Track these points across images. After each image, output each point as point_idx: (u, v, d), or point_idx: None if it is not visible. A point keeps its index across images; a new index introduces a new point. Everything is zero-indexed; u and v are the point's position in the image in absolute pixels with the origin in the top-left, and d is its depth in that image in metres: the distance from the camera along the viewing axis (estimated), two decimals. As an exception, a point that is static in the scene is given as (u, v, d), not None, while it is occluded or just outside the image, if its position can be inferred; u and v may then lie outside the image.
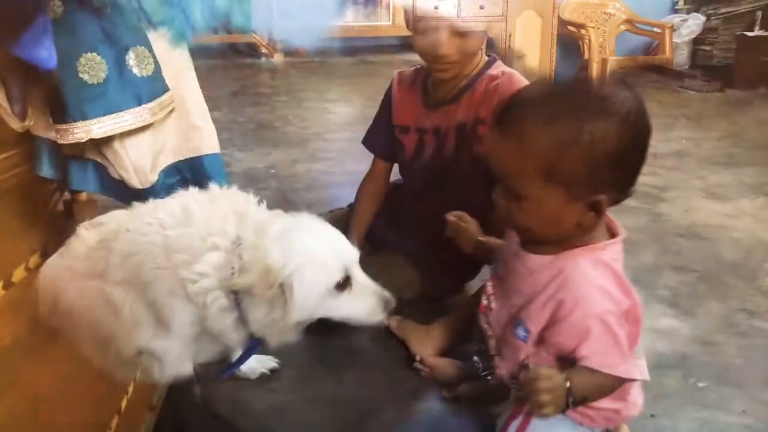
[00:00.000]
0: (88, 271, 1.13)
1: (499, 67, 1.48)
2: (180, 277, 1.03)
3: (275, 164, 2.71)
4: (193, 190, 1.16)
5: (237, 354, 1.36)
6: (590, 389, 0.92)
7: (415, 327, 1.47)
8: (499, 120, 0.89)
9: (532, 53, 3.52)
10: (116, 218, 1.19)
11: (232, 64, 4.90)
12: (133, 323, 1.09)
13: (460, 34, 1.36)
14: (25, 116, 1.31)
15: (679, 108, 3.85)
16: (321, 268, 1.05)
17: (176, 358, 1.14)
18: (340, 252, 1.08)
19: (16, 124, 1.31)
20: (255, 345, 1.14)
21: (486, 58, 1.50)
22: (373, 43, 5.36)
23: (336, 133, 3.23)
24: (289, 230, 1.07)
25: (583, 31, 4.47)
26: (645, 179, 2.60)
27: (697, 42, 4.89)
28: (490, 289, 1.08)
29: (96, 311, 1.11)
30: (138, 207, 1.18)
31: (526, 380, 0.92)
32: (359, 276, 1.11)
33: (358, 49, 5.28)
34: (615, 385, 0.94)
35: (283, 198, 2.29)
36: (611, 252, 0.94)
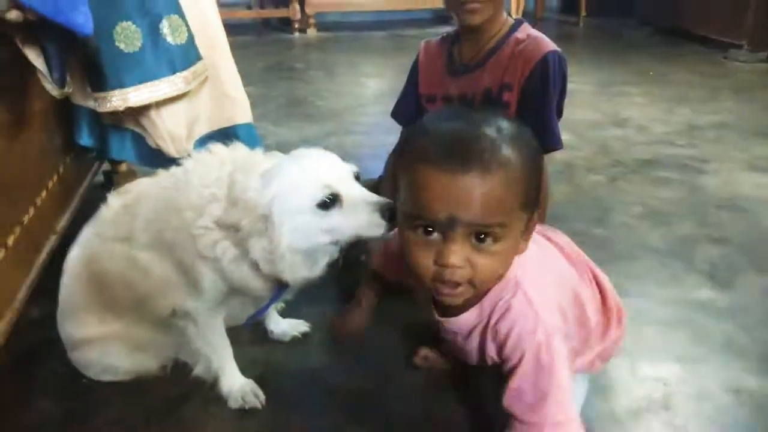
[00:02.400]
0: (114, 235, 1.17)
1: (525, 30, 1.45)
2: (192, 234, 1.06)
3: (309, 137, 2.72)
4: (195, 152, 1.19)
5: (271, 316, 1.40)
6: None
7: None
8: (463, 162, 0.78)
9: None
10: (140, 185, 1.23)
11: (265, 39, 4.91)
12: (164, 284, 1.13)
13: None
14: (64, 84, 1.34)
15: (722, 79, 3.72)
16: (299, 190, 1.03)
17: (208, 317, 1.17)
18: (321, 171, 1.06)
19: (55, 92, 1.34)
20: (281, 290, 1.16)
21: (511, 21, 1.47)
22: (404, 16, 5.30)
23: (369, 106, 3.22)
24: (277, 164, 1.08)
25: None
26: (684, 151, 2.54)
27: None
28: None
29: (127, 274, 1.15)
30: (160, 174, 1.21)
31: None
32: (352, 191, 1.06)
33: (390, 23, 5.23)
34: None
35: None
36: (527, 264, 0.90)
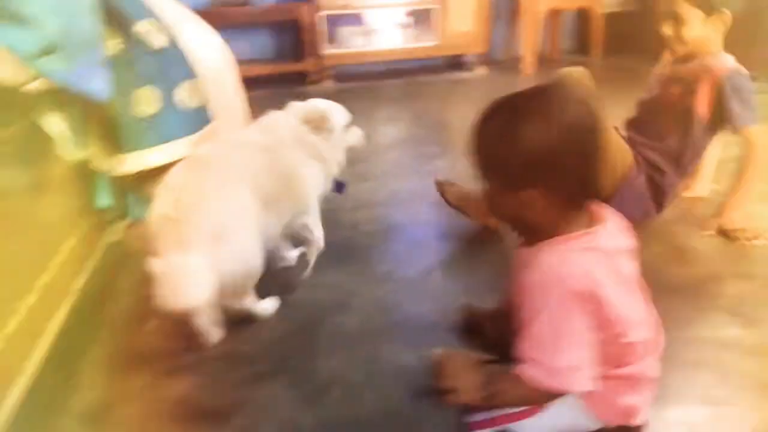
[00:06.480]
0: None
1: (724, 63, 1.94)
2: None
3: (324, 187, 2.74)
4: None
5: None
6: (513, 399, 1.01)
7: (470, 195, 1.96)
8: (481, 119, 0.98)
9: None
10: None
11: (282, 92, 5.03)
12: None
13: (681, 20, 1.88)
14: (82, 148, 1.39)
15: None
16: (342, 113, 1.87)
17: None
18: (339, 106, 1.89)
19: (72, 157, 1.39)
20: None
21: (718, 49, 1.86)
22: (419, 64, 5.38)
23: (382, 153, 3.26)
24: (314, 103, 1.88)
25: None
26: (712, 186, 2.50)
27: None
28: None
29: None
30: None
31: (434, 361, 1.08)
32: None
33: (405, 71, 5.32)
34: (544, 399, 1.00)
35: (333, 218, 2.30)
36: (576, 243, 0.96)
